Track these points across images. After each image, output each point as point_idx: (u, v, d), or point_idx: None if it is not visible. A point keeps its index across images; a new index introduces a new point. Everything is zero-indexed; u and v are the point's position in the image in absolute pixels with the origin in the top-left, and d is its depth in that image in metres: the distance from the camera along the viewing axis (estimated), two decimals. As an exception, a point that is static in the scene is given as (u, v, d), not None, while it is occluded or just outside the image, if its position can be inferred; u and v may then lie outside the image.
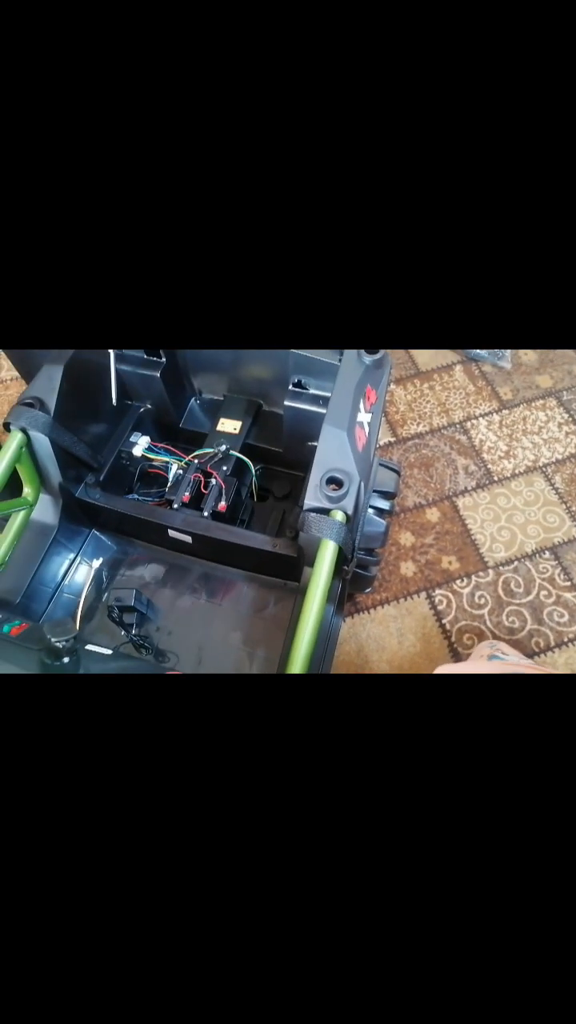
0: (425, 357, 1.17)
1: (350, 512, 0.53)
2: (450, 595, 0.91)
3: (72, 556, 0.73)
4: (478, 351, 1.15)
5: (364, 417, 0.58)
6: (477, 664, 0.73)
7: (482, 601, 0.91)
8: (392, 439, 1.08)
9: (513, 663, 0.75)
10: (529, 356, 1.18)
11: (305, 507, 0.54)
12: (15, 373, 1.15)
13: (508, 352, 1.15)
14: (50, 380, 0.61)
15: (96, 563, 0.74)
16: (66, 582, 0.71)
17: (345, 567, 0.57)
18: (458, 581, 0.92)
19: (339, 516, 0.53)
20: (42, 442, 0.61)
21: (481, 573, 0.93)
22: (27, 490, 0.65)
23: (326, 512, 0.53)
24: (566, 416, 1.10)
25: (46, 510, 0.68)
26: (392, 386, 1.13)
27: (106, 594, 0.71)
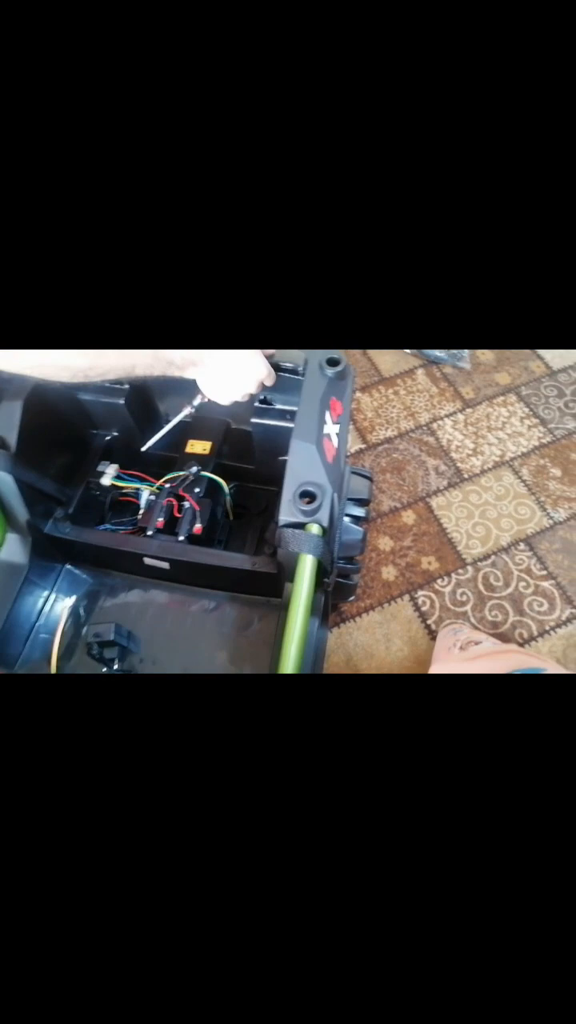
0: (387, 363, 1.20)
1: (325, 524, 0.53)
2: (432, 595, 0.92)
3: (46, 593, 0.70)
4: (437, 354, 1.18)
5: (332, 428, 0.58)
6: (461, 664, 0.73)
7: (464, 598, 0.92)
8: (363, 446, 1.09)
9: (491, 649, 0.76)
10: (487, 355, 1.21)
11: (280, 523, 0.54)
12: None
13: (466, 353, 1.19)
14: (10, 416, 0.59)
15: (72, 599, 0.71)
16: (41, 621, 0.69)
17: (326, 579, 0.57)
18: (439, 580, 0.93)
19: (315, 529, 0.53)
20: (5, 481, 0.59)
21: (460, 570, 0.94)
22: (-7, 530, 0.63)
23: (301, 526, 0.53)
24: (527, 410, 1.13)
25: (15, 549, 0.65)
26: (358, 394, 1.15)
27: (85, 628, 0.69)
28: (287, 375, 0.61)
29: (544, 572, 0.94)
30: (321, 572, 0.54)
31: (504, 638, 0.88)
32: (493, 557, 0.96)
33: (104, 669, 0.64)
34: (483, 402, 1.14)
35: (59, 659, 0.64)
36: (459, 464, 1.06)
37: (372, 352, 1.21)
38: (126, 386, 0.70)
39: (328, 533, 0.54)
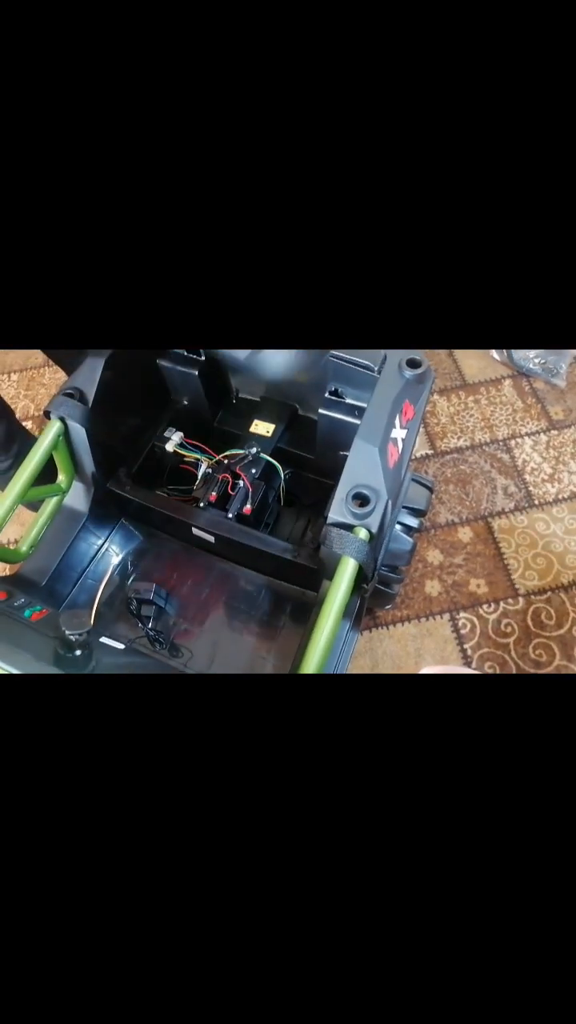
0: (473, 368, 1.13)
1: (374, 530, 0.52)
2: (475, 619, 0.88)
3: (99, 543, 0.74)
4: (530, 366, 1.10)
5: (399, 433, 0.56)
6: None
7: (508, 629, 0.87)
8: (430, 451, 1.04)
9: None
10: (586, 375, 1.11)
11: (329, 521, 0.53)
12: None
13: (564, 369, 1.09)
14: (92, 372, 0.62)
15: (122, 552, 0.75)
16: (91, 567, 0.73)
17: (364, 584, 0.56)
18: (485, 606, 0.89)
19: (362, 534, 0.52)
20: (78, 432, 0.62)
21: (510, 600, 0.89)
22: (61, 477, 0.67)
23: (349, 528, 0.52)
24: (621, 442, 1.03)
25: (78, 497, 0.70)
26: (435, 396, 1.10)
27: (129, 582, 0.72)
28: (362, 370, 0.59)
29: (604, 620, 0.87)
30: (361, 577, 0.53)
31: (544, 680, 0.83)
32: (549, 593, 0.89)
33: (139, 625, 0.67)
34: (572, 425, 1.05)
35: (100, 608, 0.68)
36: (531, 488, 0.99)
37: (458, 353, 1.14)
38: (202, 357, 0.71)
39: (375, 539, 0.52)
